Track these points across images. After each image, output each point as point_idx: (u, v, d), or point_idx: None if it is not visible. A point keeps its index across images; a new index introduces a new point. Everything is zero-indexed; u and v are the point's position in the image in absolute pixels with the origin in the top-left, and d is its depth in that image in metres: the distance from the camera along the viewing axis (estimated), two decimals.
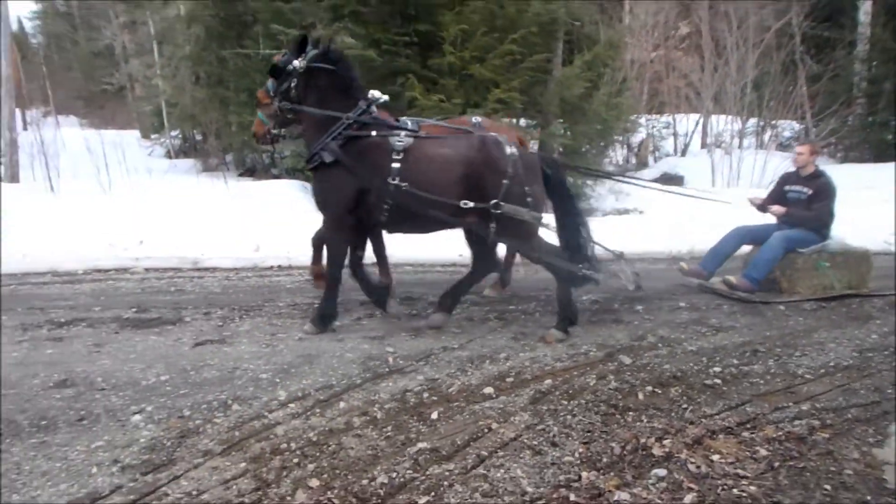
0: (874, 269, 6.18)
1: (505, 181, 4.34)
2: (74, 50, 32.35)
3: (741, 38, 15.87)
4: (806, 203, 5.95)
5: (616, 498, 2.60)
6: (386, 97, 4.88)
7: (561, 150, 12.15)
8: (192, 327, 4.80)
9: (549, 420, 3.30)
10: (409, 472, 2.79)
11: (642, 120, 17.65)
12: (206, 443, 3.03)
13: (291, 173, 12.37)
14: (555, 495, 2.62)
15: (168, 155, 19.01)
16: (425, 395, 3.61)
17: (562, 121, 12.02)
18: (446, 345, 4.44)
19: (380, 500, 2.59)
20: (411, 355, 4.23)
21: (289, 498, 2.59)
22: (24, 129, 18.09)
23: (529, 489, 2.67)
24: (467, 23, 10.31)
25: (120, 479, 2.72)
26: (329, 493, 2.63)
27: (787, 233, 5.92)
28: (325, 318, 4.72)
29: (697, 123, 18.14)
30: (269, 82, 4.87)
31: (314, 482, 2.70)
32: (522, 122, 12.51)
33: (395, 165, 4.40)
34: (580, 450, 3.00)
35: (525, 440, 3.08)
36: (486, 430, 3.17)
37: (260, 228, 7.82)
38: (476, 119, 4.76)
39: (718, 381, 3.87)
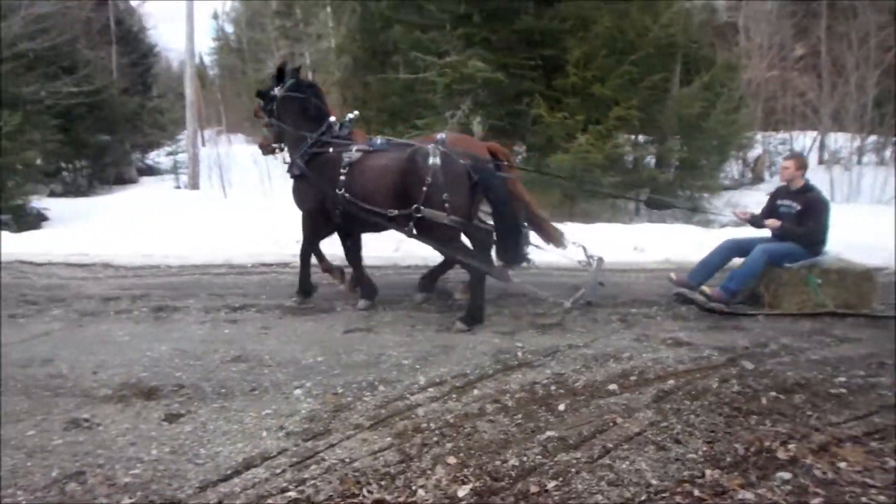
0: (879, 288, 5.59)
1: (424, 188, 4.63)
2: (243, 79, 34.89)
3: (861, 58, 14.81)
4: (795, 218, 5.48)
5: (741, 496, 2.55)
6: (352, 115, 5.63)
7: (677, 164, 11.82)
8: (342, 316, 5.10)
9: (672, 418, 3.25)
10: (538, 457, 2.86)
11: (758, 136, 16.87)
12: (357, 417, 3.24)
13: None
14: (679, 489, 2.60)
15: None
16: (552, 387, 3.66)
17: (679, 137, 11.69)
18: (572, 343, 4.46)
19: (511, 481, 2.67)
20: (539, 350, 4.28)
21: (429, 471, 2.73)
22: (203, 145, 19.67)
23: (654, 482, 2.66)
24: (590, 46, 10.35)
25: (285, 444, 2.97)
26: (465, 470, 2.74)
27: (770, 246, 5.48)
28: (303, 293, 5.50)
29: (814, 140, 17.05)
30: (259, 102, 5.66)
31: (452, 459, 2.82)
32: (641, 137, 12.28)
33: (342, 178, 4.95)
34: (703, 448, 2.95)
35: (649, 436, 3.06)
36: (610, 424, 3.18)
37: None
38: (441, 135, 4.95)
39: (844, 390, 3.66)
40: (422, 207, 4.66)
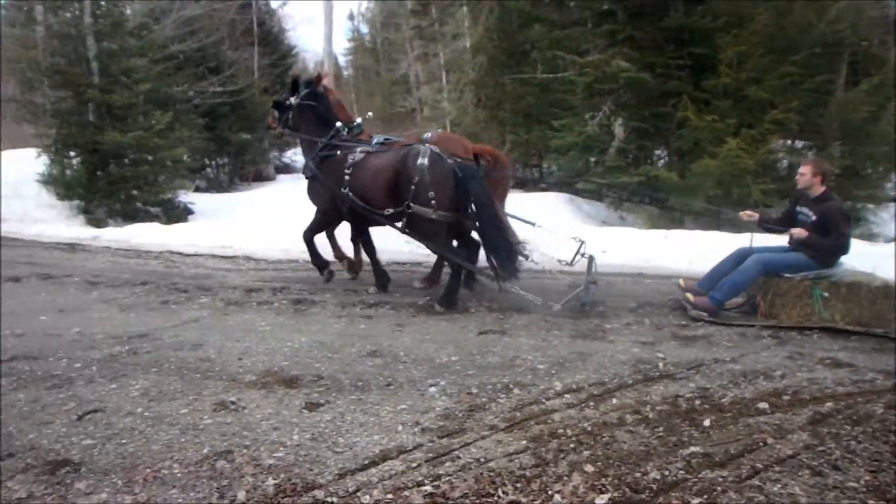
0: None
1: (413, 186, 5.25)
2: (377, 79, 36.29)
3: None
4: (811, 228, 5.14)
5: None
6: (360, 119, 6.46)
7: (838, 172, 11.01)
8: (476, 318, 5.20)
9: (830, 443, 3.07)
10: (681, 472, 2.79)
11: None
12: (491, 418, 3.30)
13: (559, 187, 12.66)
14: None
15: None
16: (697, 402, 3.56)
17: (840, 143, 10.89)
18: (718, 357, 4.31)
19: (652, 494, 2.63)
20: (682, 363, 4.17)
21: (566, 477, 2.74)
22: None
23: None
24: (745, 44, 9.85)
25: (420, 439, 3.08)
26: (603, 479, 2.73)
27: (767, 256, 5.26)
28: (319, 269, 6.38)
29: None
30: (275, 113, 6.46)
31: (589, 468, 2.81)
32: (798, 143, 11.56)
33: (347, 178, 5.63)
34: (866, 478, 2.76)
35: (804, 459, 2.91)
36: (760, 444, 3.05)
37: (531, 236, 8.08)
38: (427, 134, 5.57)
39: None
40: (411, 203, 5.27)
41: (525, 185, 14.75)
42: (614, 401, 3.55)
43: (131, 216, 12.54)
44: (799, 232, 5.16)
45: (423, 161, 5.24)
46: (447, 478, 2.74)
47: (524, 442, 3.05)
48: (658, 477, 2.75)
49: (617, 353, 4.36)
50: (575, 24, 12.29)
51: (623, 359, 4.23)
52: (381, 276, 6.09)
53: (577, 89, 11.72)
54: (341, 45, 43.09)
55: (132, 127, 12.54)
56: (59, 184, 12.82)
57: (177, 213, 13.00)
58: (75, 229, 11.31)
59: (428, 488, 2.66)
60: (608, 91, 11.32)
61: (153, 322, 5.23)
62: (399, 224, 5.55)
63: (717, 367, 4.11)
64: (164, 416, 3.40)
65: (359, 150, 5.72)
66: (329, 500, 2.59)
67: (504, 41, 14.36)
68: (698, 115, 10.00)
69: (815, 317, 5.08)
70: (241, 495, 2.63)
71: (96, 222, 12.22)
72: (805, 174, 5.32)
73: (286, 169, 23.87)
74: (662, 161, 12.74)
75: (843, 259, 5.23)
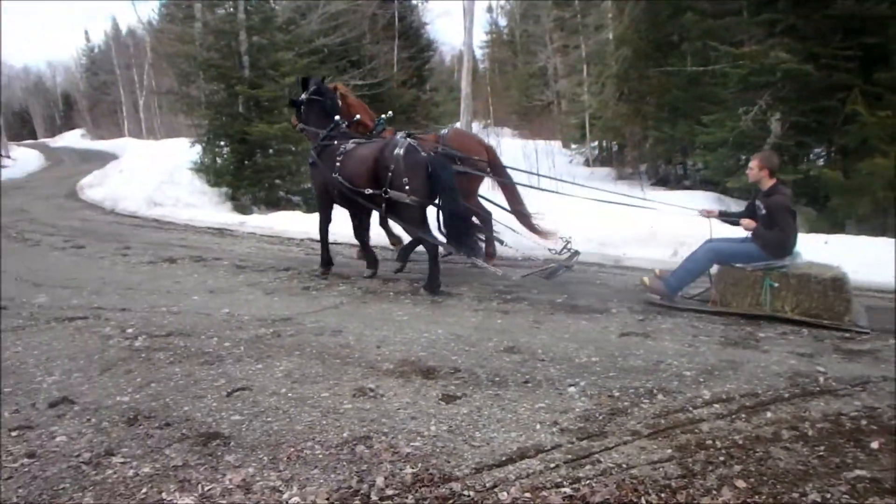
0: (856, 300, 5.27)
1: (389, 173, 5.95)
2: (513, 72, 36.38)
3: None
4: (764, 221, 5.38)
5: None
6: (385, 116, 7.47)
7: None
8: (617, 318, 5.11)
9: None
10: (844, 496, 2.63)
11: None
12: (634, 424, 3.24)
13: (706, 185, 12.16)
14: None
15: (586, 163, 20.22)
16: (863, 421, 3.32)
17: None
18: (887, 374, 3.98)
19: None
20: (845, 378, 3.89)
21: (714, 492, 2.65)
22: None
23: None
24: None
25: (559, 439, 3.08)
26: (756, 496, 2.62)
27: (718, 245, 5.59)
28: (323, 265, 6.89)
29: None
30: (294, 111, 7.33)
31: (741, 483, 2.70)
32: None
33: (338, 164, 6.35)
34: None
35: None
36: None
37: (674, 235, 7.83)
38: (444, 131, 6.84)
39: None
40: (388, 189, 5.95)
41: (667, 182, 14.28)
42: (769, 414, 3.38)
43: (274, 204, 13.34)
44: (746, 223, 5.46)
45: (398, 151, 5.96)
46: (587, 481, 2.72)
47: (669, 451, 2.97)
48: (819, 500, 2.60)
49: (771, 363, 4.14)
50: (730, 13, 11.74)
51: (778, 370, 4.01)
52: (371, 260, 6.88)
53: (730, 82, 11.19)
54: (478, 37, 43.56)
55: (278, 119, 13.30)
56: (210, 171, 13.85)
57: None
58: (223, 215, 12.17)
59: (567, 490, 2.66)
60: (765, 84, 10.73)
61: (295, 307, 5.54)
62: (380, 208, 6.30)
63: (886, 386, 3.81)
64: (306, 398, 3.60)
65: (351, 141, 6.53)
66: (466, 493, 2.65)
67: (651, 32, 13.96)
68: (869, 110, 9.25)
69: (765, 306, 5.27)
70: (380, 481, 2.75)
71: (242, 209, 13.10)
72: (752, 168, 5.55)
73: None
74: (822, 159, 11.92)
75: (800, 250, 5.49)
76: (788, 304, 5.22)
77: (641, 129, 14.10)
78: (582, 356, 4.19)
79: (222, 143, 14.00)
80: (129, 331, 4.88)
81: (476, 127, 26.48)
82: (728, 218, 5.85)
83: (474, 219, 6.53)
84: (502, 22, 42.10)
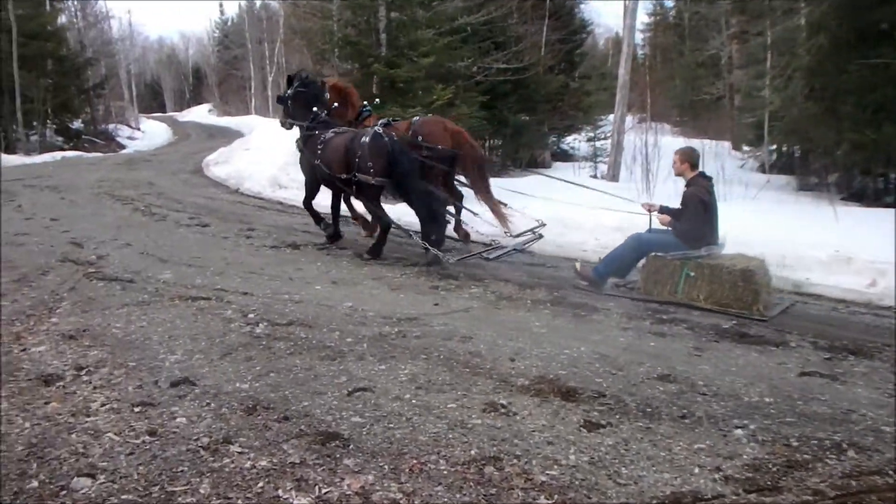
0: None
1: (357, 159, 7.33)
2: (679, 60, 35.21)
3: None
4: (679, 212, 6.33)
5: None
6: (369, 106, 9.10)
7: None
8: (797, 353, 4.77)
9: None
10: None
11: None
12: (816, 482, 2.99)
13: None
14: None
15: (762, 169, 19.18)
16: None
17: None
18: None
19: None
20: None
21: None
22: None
23: None
24: None
25: (722, 489, 2.89)
26: None
27: (642, 235, 6.49)
28: (330, 237, 8.27)
29: None
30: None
31: None
32: None
33: (319, 151, 7.76)
34: None
35: None
36: None
37: (871, 262, 7.25)
38: (416, 118, 8.39)
39: None
40: (356, 174, 7.35)
41: (863, 197, 13.27)
42: None
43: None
44: (661, 217, 6.41)
45: (365, 140, 7.34)
46: None
47: None
48: None
49: None
50: None
51: None
52: (335, 234, 8.23)
53: None
54: (639, 20, 42.55)
55: (412, 101, 13.49)
56: None
57: None
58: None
59: None
60: None
61: (422, 306, 5.58)
62: (351, 189, 7.79)
63: None
64: (431, 407, 3.59)
65: (330, 131, 7.87)
66: None
67: (854, 18, 12.96)
68: None
69: (680, 295, 6.04)
70: None
71: None
72: (675, 162, 6.52)
73: (564, 156, 24.03)
74: None
75: (724, 241, 6.35)
76: (702, 293, 5.98)
77: (836, 132, 13.09)
78: (752, 394, 3.93)
79: None
80: (251, 316, 5.10)
81: (630, 121, 25.87)
82: (669, 212, 6.52)
83: (441, 200, 7.78)
84: (669, 2, 41.03)
